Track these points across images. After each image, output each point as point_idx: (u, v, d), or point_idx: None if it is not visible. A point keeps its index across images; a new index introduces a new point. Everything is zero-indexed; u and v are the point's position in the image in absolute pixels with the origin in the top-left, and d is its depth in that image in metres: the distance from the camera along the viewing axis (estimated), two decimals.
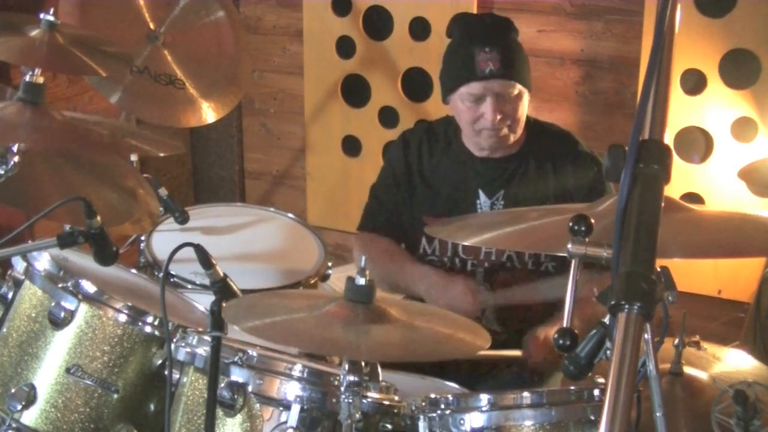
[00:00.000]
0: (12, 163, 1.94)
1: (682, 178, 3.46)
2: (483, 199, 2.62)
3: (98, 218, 1.87)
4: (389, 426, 1.87)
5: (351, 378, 1.75)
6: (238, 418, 1.83)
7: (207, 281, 1.92)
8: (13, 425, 1.96)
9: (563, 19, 3.65)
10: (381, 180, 2.78)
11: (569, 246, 1.27)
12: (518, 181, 2.62)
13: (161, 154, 2.53)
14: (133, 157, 3.13)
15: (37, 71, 2.16)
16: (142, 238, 2.83)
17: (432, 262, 2.65)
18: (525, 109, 2.56)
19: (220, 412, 1.81)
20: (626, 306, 1.03)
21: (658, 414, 1.32)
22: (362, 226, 2.80)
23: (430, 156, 2.68)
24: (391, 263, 2.65)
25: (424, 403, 1.89)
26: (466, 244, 2.44)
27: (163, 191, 2.80)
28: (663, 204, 1.12)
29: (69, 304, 2.00)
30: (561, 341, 1.24)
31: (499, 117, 2.50)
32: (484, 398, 1.85)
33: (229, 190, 4.49)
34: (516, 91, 2.51)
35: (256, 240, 2.94)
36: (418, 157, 2.69)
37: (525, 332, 2.62)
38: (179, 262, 1.88)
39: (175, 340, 1.94)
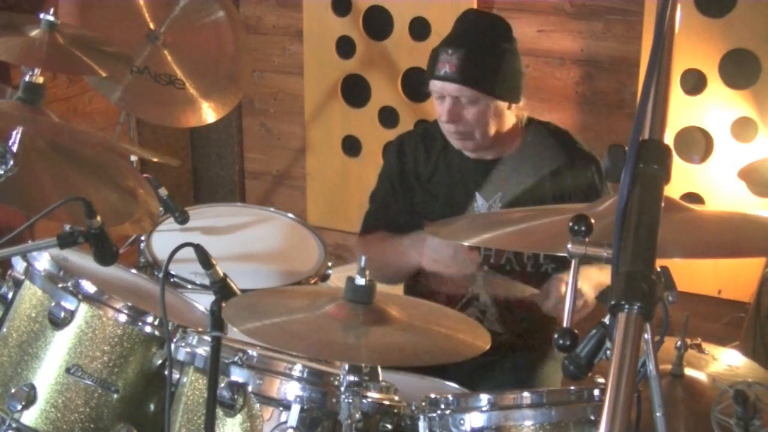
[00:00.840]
0: (12, 163, 1.94)
1: (682, 178, 3.46)
2: (480, 201, 2.61)
3: (98, 218, 1.87)
4: (389, 426, 1.87)
5: (351, 378, 1.75)
6: (238, 418, 1.83)
7: (207, 281, 1.92)
8: (13, 425, 1.96)
9: (563, 19, 3.65)
10: (379, 186, 2.78)
11: (569, 246, 1.27)
12: (515, 182, 2.61)
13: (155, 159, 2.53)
14: (133, 157, 3.13)
15: (37, 71, 2.16)
16: (142, 238, 2.83)
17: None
18: (490, 117, 2.51)
19: (220, 412, 1.81)
20: (626, 306, 1.03)
21: (658, 414, 1.32)
22: (363, 232, 2.80)
23: (426, 159, 2.67)
24: (388, 245, 2.63)
25: (424, 403, 1.89)
26: (466, 244, 2.43)
27: (163, 191, 2.80)
28: (663, 204, 1.12)
29: (69, 304, 2.00)
30: (561, 341, 1.24)
31: (452, 119, 2.50)
32: (484, 398, 1.85)
33: (229, 190, 4.49)
34: (473, 98, 2.48)
35: (256, 240, 2.94)
36: (414, 162, 2.68)
37: (526, 333, 2.62)
38: (179, 262, 1.88)
39: (175, 340, 1.94)
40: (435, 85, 2.51)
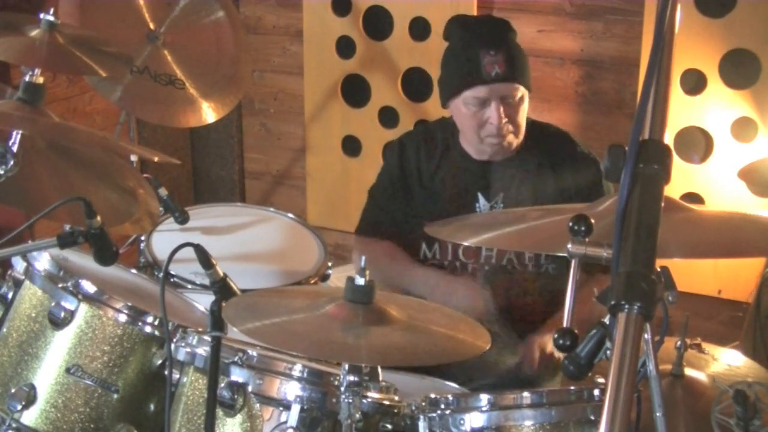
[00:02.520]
0: (12, 163, 1.94)
1: (682, 178, 3.46)
2: (482, 202, 2.62)
3: (98, 218, 1.87)
4: (389, 426, 1.87)
5: (351, 378, 1.75)
6: (238, 418, 1.83)
7: (207, 281, 1.92)
8: (13, 425, 1.96)
9: (563, 19, 3.65)
10: (379, 184, 2.78)
11: (569, 246, 1.27)
12: (517, 183, 2.61)
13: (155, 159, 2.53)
14: (133, 157, 3.14)
15: (37, 71, 2.16)
16: (142, 238, 2.83)
17: (432, 266, 2.65)
18: (526, 111, 2.56)
19: (220, 412, 1.81)
20: (626, 306, 1.03)
21: (658, 414, 1.32)
22: (360, 229, 2.80)
23: (428, 160, 2.67)
24: (393, 266, 2.65)
25: (424, 403, 1.89)
26: (466, 244, 2.44)
27: (163, 191, 2.81)
28: (663, 204, 1.12)
29: (69, 304, 2.00)
30: (561, 341, 1.24)
31: (504, 121, 2.50)
32: (484, 398, 1.85)
33: (229, 190, 4.49)
34: (520, 94, 2.51)
35: (256, 240, 2.94)
36: (416, 163, 2.68)
37: (524, 335, 2.61)
38: (179, 262, 1.88)
39: (175, 340, 1.94)
40: (481, 91, 2.48)
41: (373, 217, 2.76)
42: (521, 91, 2.51)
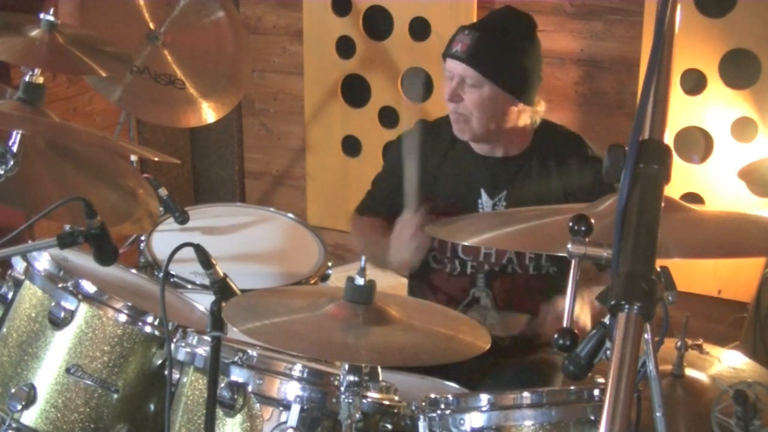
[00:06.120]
0: (12, 163, 1.94)
1: (682, 178, 3.46)
2: (485, 198, 2.61)
3: (98, 218, 1.87)
4: (389, 426, 1.87)
5: (351, 378, 1.75)
6: (238, 418, 1.83)
7: (207, 281, 1.92)
8: (13, 425, 1.96)
9: (563, 19, 3.65)
10: (384, 175, 2.78)
11: (569, 246, 1.27)
12: (521, 181, 2.60)
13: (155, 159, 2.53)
14: (133, 157, 3.14)
15: (37, 71, 2.16)
16: (142, 238, 2.83)
17: (432, 261, 2.65)
18: (490, 105, 2.50)
19: (220, 412, 1.81)
20: (626, 306, 1.03)
21: (658, 414, 1.32)
22: (359, 209, 2.80)
23: (432, 155, 2.67)
24: (376, 234, 2.64)
25: (424, 403, 1.89)
26: (466, 244, 2.43)
27: (163, 191, 2.81)
28: (663, 204, 1.12)
29: (69, 304, 2.00)
30: (561, 341, 1.24)
31: (453, 99, 2.50)
32: (484, 398, 1.85)
33: (229, 190, 4.49)
34: (477, 82, 2.47)
35: (256, 240, 2.94)
36: (422, 157, 2.67)
37: (525, 337, 2.61)
38: (179, 262, 1.88)
39: (175, 340, 1.94)
40: (445, 63, 2.53)
41: (372, 200, 2.78)
42: (479, 79, 2.47)
